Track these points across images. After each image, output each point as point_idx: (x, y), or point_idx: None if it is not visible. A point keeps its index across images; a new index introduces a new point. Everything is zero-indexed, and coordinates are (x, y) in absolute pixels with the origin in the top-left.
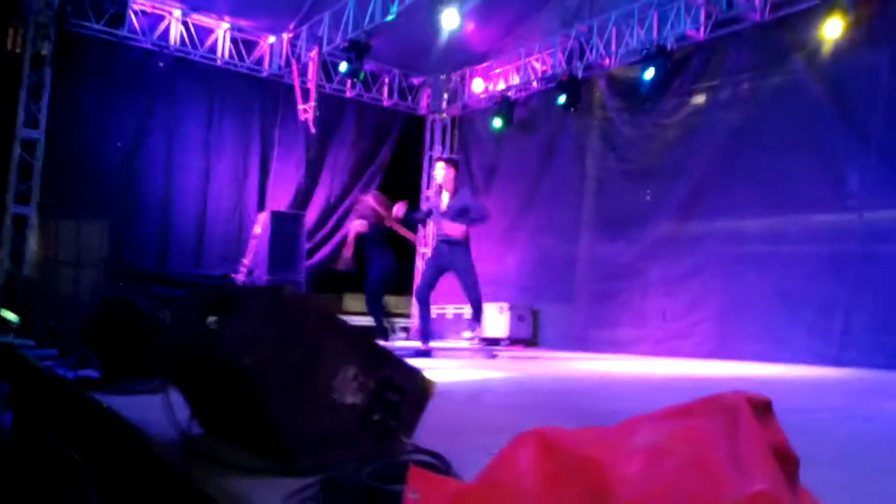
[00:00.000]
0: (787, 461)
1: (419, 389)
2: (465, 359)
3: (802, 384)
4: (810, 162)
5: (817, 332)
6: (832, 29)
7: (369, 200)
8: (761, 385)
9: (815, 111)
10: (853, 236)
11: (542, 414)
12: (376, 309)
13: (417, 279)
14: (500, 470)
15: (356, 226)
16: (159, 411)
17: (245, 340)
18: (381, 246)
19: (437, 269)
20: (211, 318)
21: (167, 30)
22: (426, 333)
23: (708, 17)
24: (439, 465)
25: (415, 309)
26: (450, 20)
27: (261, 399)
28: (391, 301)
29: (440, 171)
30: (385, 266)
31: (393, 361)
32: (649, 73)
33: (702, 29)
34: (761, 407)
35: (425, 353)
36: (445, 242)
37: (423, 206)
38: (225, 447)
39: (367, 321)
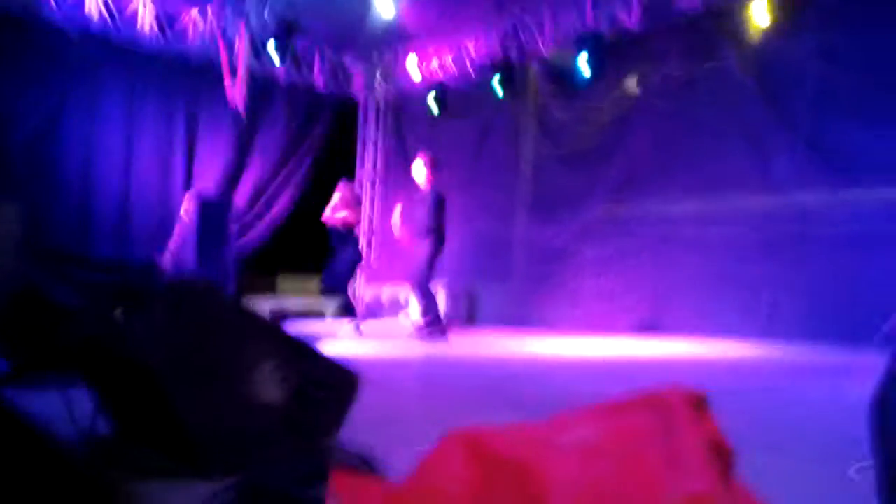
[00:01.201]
0: (722, 454)
1: (344, 384)
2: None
3: (732, 362)
4: (740, 147)
5: (746, 309)
6: (761, 18)
7: (343, 199)
8: (694, 365)
9: (744, 98)
10: (780, 218)
11: (477, 401)
12: (344, 294)
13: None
14: (428, 473)
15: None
16: (74, 409)
17: (151, 337)
18: (349, 238)
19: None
20: (117, 311)
21: (82, 3)
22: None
23: (641, 4)
24: (365, 466)
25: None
26: (383, 3)
27: (168, 399)
28: None
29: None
30: (354, 259)
31: (316, 356)
32: (583, 59)
33: (634, 15)
34: (696, 402)
35: (435, 336)
36: None
37: None
38: (135, 449)
39: (304, 303)
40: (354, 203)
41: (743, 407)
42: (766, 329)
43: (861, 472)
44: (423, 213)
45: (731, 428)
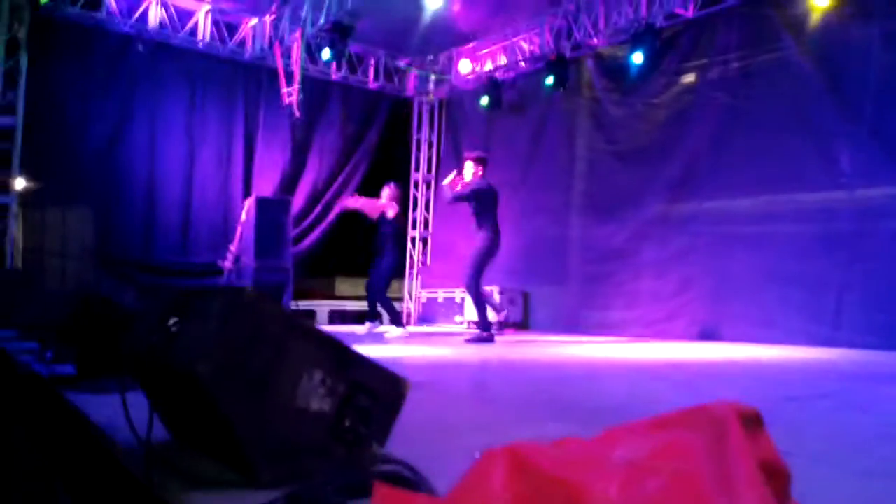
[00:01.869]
0: (777, 477)
1: (392, 392)
2: (461, 344)
3: (794, 368)
4: (801, 140)
5: (809, 313)
6: (821, 3)
7: (389, 197)
8: (752, 369)
9: (805, 89)
10: (845, 215)
11: (529, 409)
12: (384, 297)
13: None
14: (471, 490)
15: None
16: (134, 414)
17: (202, 345)
18: (394, 239)
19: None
20: (172, 321)
21: (146, 12)
22: (485, 321)
23: None
24: (410, 478)
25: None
26: (434, 4)
27: (218, 408)
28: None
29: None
30: (395, 260)
31: (363, 364)
32: (638, 53)
33: (690, 6)
34: (750, 419)
35: (488, 340)
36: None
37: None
38: (190, 455)
39: (362, 305)
40: (391, 199)
41: (803, 416)
42: (831, 333)
43: None
44: (469, 208)
45: (790, 439)
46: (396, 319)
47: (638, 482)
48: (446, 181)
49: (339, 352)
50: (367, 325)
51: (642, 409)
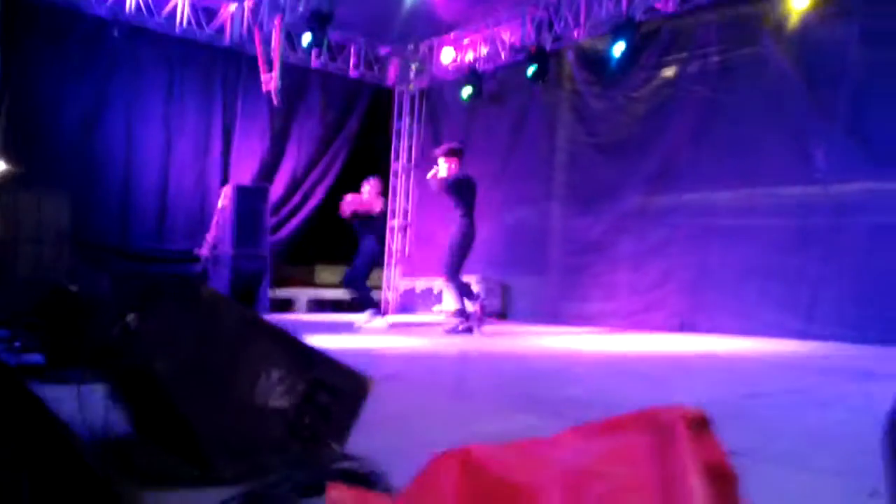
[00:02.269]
0: (724, 481)
1: (354, 390)
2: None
3: (766, 361)
4: (778, 135)
5: (785, 306)
6: (800, 1)
7: (372, 192)
8: (725, 363)
9: (782, 85)
10: (820, 210)
11: (498, 401)
12: (364, 285)
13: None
14: (421, 491)
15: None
16: (95, 407)
17: (159, 343)
18: (371, 226)
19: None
20: (130, 316)
21: None
22: (463, 311)
23: None
24: (367, 476)
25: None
26: None
27: (176, 405)
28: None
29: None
30: (374, 247)
31: (324, 362)
32: (618, 46)
33: (669, 1)
34: (697, 423)
35: (467, 331)
36: None
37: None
38: (150, 450)
39: (342, 293)
40: (376, 196)
41: (769, 413)
42: (804, 326)
43: (876, 496)
44: (450, 199)
45: (749, 434)
46: (374, 304)
47: (584, 487)
48: (430, 175)
49: (299, 350)
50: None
51: (611, 403)
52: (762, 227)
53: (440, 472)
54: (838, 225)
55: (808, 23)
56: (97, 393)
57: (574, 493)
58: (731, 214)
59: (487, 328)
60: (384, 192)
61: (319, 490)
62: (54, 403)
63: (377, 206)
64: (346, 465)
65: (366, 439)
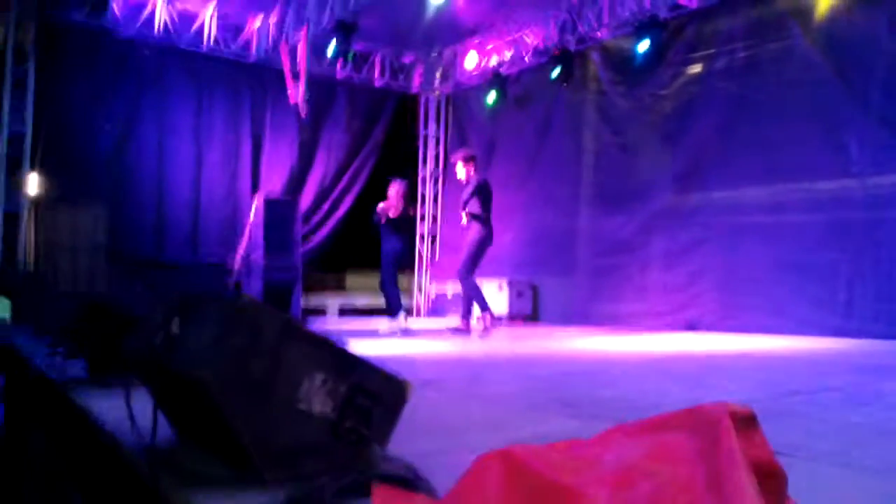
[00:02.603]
0: (772, 478)
1: (394, 393)
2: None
3: (803, 360)
4: (810, 129)
5: (819, 303)
6: None
7: (397, 194)
8: (761, 361)
9: (813, 77)
10: (855, 204)
11: (534, 404)
12: (390, 287)
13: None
14: (466, 492)
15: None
16: (139, 413)
17: (202, 351)
18: (395, 227)
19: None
20: (173, 323)
21: (151, 16)
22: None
23: None
24: (410, 479)
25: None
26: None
27: (221, 412)
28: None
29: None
30: (395, 246)
31: (364, 365)
32: (643, 45)
33: None
34: (744, 420)
35: (464, 332)
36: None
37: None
38: (196, 455)
39: (372, 300)
40: (401, 197)
41: (809, 411)
42: (840, 323)
43: None
44: (467, 203)
45: (791, 432)
46: (394, 310)
47: (630, 486)
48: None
49: (339, 354)
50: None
51: (648, 404)
52: (795, 223)
53: (484, 473)
54: (875, 218)
55: (836, 13)
56: (141, 399)
57: (621, 492)
58: (763, 211)
59: (517, 331)
60: (412, 197)
61: (364, 492)
62: (99, 411)
63: (404, 208)
64: (389, 468)
65: (403, 444)
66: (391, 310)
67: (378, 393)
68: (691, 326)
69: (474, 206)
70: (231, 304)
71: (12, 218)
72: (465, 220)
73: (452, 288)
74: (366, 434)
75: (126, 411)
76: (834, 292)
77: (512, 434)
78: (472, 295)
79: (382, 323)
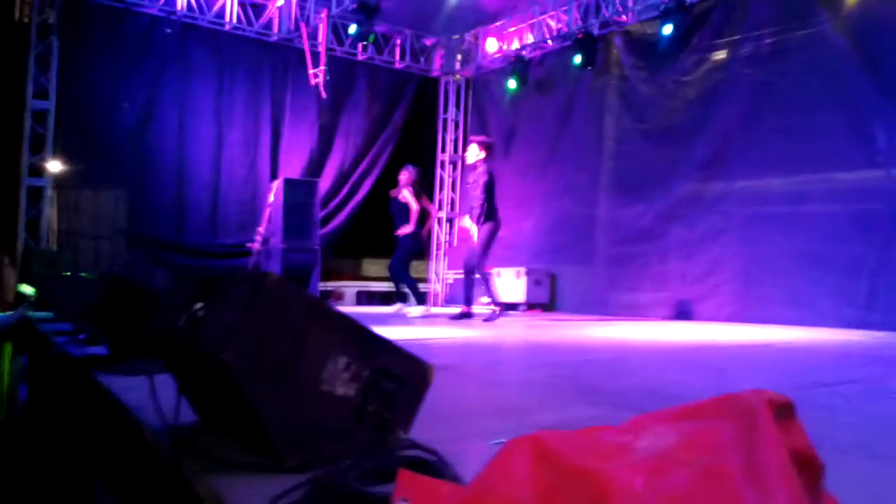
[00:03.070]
0: (810, 468)
1: (417, 377)
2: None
3: (826, 351)
4: (835, 118)
5: (842, 294)
6: None
7: (406, 181)
8: (783, 352)
9: (840, 65)
10: (880, 195)
11: (554, 392)
12: (406, 275)
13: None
14: (494, 478)
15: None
16: (162, 396)
17: (227, 332)
18: (406, 218)
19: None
20: (198, 306)
21: None
22: (469, 299)
23: None
24: (435, 464)
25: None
26: None
27: (243, 394)
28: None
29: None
30: (414, 238)
31: (388, 348)
32: (668, 29)
33: None
34: (782, 409)
35: (467, 315)
36: None
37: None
38: (218, 438)
39: (389, 285)
40: (410, 184)
41: (834, 402)
42: (862, 315)
43: None
44: (477, 195)
45: (817, 423)
46: (419, 297)
47: (664, 474)
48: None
49: (364, 336)
50: (397, 305)
51: (670, 393)
52: (817, 213)
53: (512, 459)
54: None
55: (865, 1)
56: (163, 382)
57: (655, 480)
58: (786, 201)
59: (534, 319)
60: (429, 182)
61: (388, 477)
62: (121, 393)
63: (413, 204)
64: (413, 452)
65: (424, 429)
66: (417, 296)
67: (402, 376)
68: (684, 314)
69: (480, 206)
70: (256, 283)
71: (35, 197)
72: (467, 223)
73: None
74: (389, 418)
75: (149, 394)
76: (856, 284)
77: (532, 420)
78: (476, 281)
79: (412, 308)
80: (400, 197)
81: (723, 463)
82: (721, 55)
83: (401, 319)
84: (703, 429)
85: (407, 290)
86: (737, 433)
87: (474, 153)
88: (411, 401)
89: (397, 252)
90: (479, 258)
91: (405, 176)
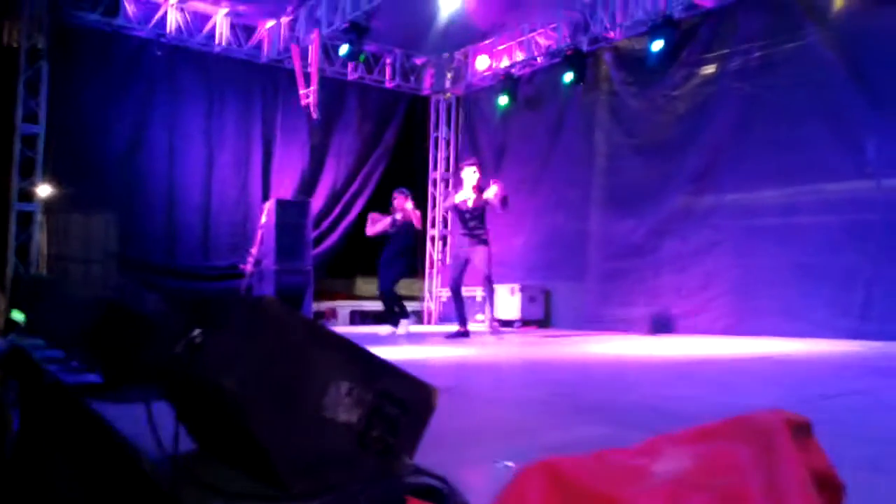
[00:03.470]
0: (829, 488)
1: (421, 401)
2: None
3: (825, 362)
4: (825, 130)
5: (837, 305)
6: None
7: (405, 209)
8: (782, 365)
9: (828, 77)
10: (872, 205)
11: (556, 410)
12: (387, 297)
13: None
14: None
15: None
16: (158, 424)
17: (226, 358)
18: (404, 240)
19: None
20: (195, 332)
21: (164, 17)
22: (463, 318)
23: None
24: (442, 490)
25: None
26: (450, 1)
27: (245, 421)
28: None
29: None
30: (407, 262)
31: (390, 371)
32: (657, 45)
33: None
34: (800, 428)
35: (464, 335)
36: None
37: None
38: (218, 467)
39: (380, 305)
40: (402, 210)
41: (838, 412)
42: (857, 325)
43: None
44: (480, 218)
45: (828, 437)
46: (403, 313)
47: (683, 499)
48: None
49: (366, 360)
50: (395, 327)
51: (672, 409)
52: (810, 224)
53: (526, 487)
54: (892, 220)
55: (851, 11)
56: (160, 410)
57: None
58: (778, 213)
59: (529, 336)
60: (422, 200)
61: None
62: (116, 422)
63: (398, 216)
64: (420, 479)
65: (427, 453)
66: (404, 313)
67: (405, 400)
68: (679, 328)
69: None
70: (254, 307)
71: (25, 221)
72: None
73: (463, 292)
74: (393, 444)
75: (145, 422)
76: (851, 294)
77: (537, 441)
78: (489, 299)
79: (402, 327)
80: (401, 217)
81: (742, 486)
82: (710, 69)
83: (397, 339)
84: (720, 451)
85: (397, 309)
86: (755, 455)
87: (475, 177)
88: (415, 425)
89: (391, 273)
90: (491, 274)
91: (401, 199)
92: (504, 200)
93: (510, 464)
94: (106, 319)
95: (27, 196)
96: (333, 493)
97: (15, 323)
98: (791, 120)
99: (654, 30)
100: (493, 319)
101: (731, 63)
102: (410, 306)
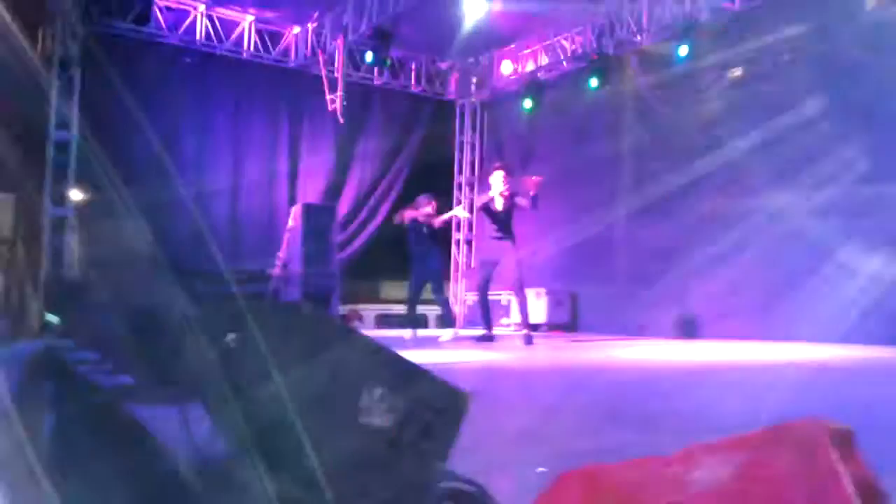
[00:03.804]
0: (873, 499)
1: (453, 406)
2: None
3: (859, 369)
4: (857, 133)
5: (867, 311)
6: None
7: (425, 208)
8: (816, 372)
9: (859, 79)
10: None
11: (585, 416)
12: (413, 304)
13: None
14: None
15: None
16: (193, 428)
17: (261, 363)
18: (431, 243)
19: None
20: (230, 336)
21: (193, 24)
22: (488, 321)
23: None
24: (477, 496)
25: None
26: (475, 7)
27: (280, 426)
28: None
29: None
30: (436, 266)
31: (423, 377)
32: (683, 50)
33: None
34: (842, 437)
35: (489, 339)
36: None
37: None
38: (252, 471)
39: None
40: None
41: (879, 423)
42: (891, 332)
43: None
44: (508, 220)
45: (879, 451)
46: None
47: None
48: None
49: (399, 365)
50: (448, 331)
51: (706, 415)
52: (841, 228)
53: (563, 494)
54: None
55: (882, 15)
56: (195, 413)
57: None
58: (807, 217)
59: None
60: (445, 209)
61: None
62: (150, 424)
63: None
64: (454, 485)
65: (457, 459)
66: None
67: (438, 405)
68: (707, 333)
69: (511, 215)
70: (291, 312)
71: (59, 226)
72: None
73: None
74: (427, 449)
75: (180, 426)
76: (883, 300)
77: (567, 447)
78: (521, 307)
79: (445, 333)
80: (438, 223)
81: (782, 495)
82: (737, 72)
83: (421, 343)
84: (760, 460)
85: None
86: (796, 465)
87: (502, 179)
88: (448, 430)
89: (437, 276)
90: (523, 278)
91: (432, 206)
92: (535, 199)
93: (543, 469)
94: (139, 322)
95: (60, 201)
96: (369, 498)
97: (49, 325)
98: (821, 122)
99: (680, 33)
100: (526, 325)
101: (759, 65)
102: (433, 310)
